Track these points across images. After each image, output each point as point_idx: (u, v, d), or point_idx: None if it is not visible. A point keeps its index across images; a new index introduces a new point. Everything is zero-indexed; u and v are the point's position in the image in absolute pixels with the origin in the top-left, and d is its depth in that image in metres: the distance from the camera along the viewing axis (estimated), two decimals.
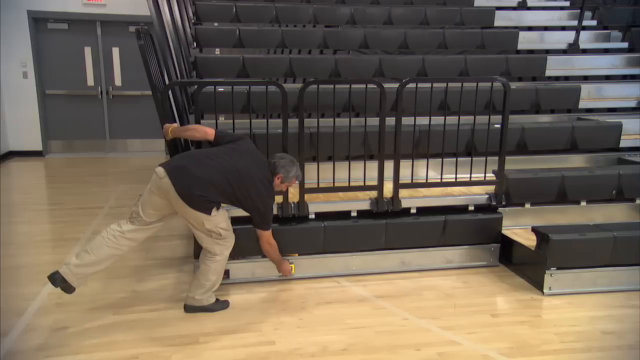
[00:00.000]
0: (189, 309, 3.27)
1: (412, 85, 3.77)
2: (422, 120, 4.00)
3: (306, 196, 3.73)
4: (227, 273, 3.68)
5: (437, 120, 3.98)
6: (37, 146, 8.20)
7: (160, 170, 2.99)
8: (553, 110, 5.28)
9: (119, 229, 3.10)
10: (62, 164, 7.84)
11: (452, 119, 3.96)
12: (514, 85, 4.46)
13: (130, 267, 3.95)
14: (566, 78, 5.85)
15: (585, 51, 6.23)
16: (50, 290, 3.43)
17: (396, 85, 3.76)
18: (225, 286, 3.63)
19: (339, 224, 3.82)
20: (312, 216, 3.80)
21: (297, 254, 3.79)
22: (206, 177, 2.98)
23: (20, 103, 7.99)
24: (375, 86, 3.69)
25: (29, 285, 3.63)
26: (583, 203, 4.23)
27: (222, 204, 3.14)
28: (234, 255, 3.68)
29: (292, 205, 3.72)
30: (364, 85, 3.86)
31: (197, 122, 3.49)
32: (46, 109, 8.25)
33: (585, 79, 5.86)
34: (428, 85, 3.91)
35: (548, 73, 5.68)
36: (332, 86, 3.85)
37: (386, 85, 3.70)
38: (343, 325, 3.17)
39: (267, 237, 3.31)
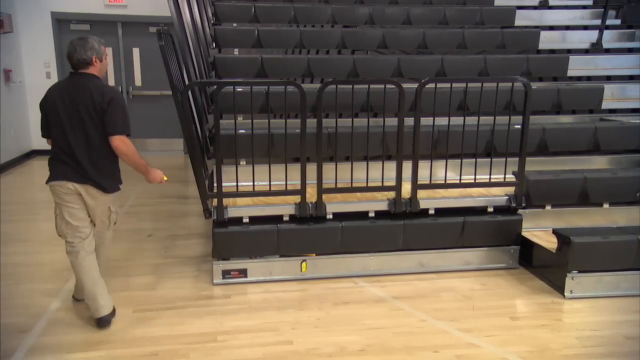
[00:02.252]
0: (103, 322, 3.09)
1: (431, 85, 3.75)
2: (441, 121, 3.98)
3: (324, 196, 3.73)
4: (244, 272, 3.71)
5: (456, 120, 3.95)
6: None
7: (65, 184, 2.96)
8: (575, 110, 5.19)
9: (78, 250, 3.02)
10: None
11: (471, 120, 3.93)
12: (534, 85, 4.40)
13: (150, 265, 4.00)
14: (588, 78, 5.75)
15: (608, 51, 6.11)
16: (72, 286, 3.49)
17: (415, 85, 3.75)
18: (243, 285, 3.66)
19: (356, 225, 3.82)
20: (330, 216, 3.80)
21: (314, 254, 3.80)
22: (81, 150, 2.97)
23: None
24: (393, 86, 3.68)
25: (52, 282, 3.70)
26: (605, 205, 4.16)
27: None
28: (252, 254, 3.71)
29: (310, 205, 3.72)
30: (382, 86, 3.85)
31: (217, 122, 3.51)
32: None
33: (609, 79, 5.75)
34: (447, 85, 3.89)
35: (570, 73, 5.59)
36: (351, 86, 3.85)
37: (405, 86, 3.69)
38: (360, 326, 3.16)
39: (118, 137, 2.96)
